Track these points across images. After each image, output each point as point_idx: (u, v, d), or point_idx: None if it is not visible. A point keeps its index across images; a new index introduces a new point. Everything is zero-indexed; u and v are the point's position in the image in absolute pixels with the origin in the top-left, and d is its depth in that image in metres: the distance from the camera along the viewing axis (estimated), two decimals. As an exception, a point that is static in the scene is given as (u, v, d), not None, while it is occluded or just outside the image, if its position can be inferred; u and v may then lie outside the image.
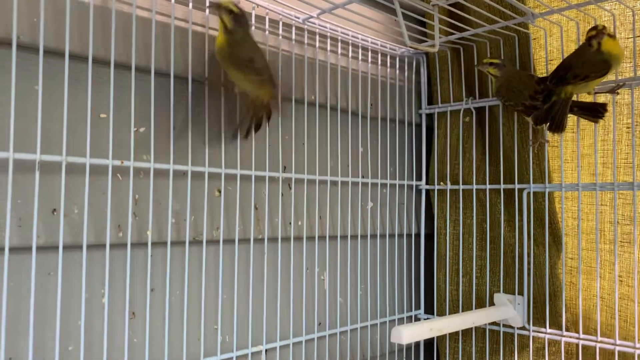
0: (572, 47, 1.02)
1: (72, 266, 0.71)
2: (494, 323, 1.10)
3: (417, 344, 1.21)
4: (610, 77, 0.98)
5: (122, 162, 0.73)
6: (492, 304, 1.12)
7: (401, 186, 1.20)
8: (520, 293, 1.07)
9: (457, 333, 1.16)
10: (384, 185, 1.16)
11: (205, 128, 0.82)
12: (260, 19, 0.92)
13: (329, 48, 1.04)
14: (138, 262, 0.77)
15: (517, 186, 1.07)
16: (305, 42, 1.00)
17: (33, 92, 0.67)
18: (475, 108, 1.15)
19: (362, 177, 1.11)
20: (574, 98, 0.94)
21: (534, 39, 1.08)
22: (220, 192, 0.86)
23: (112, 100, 0.72)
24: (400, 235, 1.19)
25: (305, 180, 0.99)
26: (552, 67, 1.06)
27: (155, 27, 0.78)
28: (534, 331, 1.04)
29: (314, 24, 0.99)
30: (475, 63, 1.14)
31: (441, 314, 1.19)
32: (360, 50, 1.11)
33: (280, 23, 0.95)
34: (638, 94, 0.94)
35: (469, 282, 1.16)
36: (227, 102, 0.85)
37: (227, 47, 0.77)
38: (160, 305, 0.79)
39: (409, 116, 1.22)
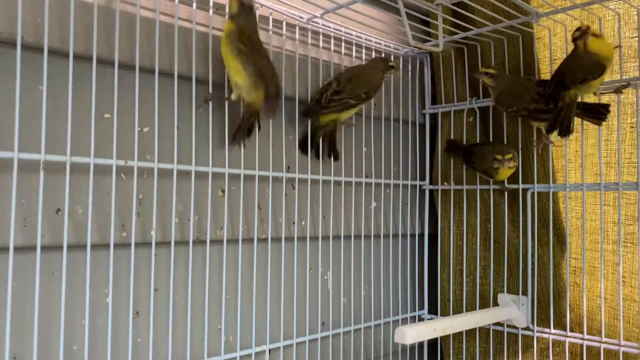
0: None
1: (76, 266, 0.71)
2: (497, 323, 1.10)
3: (421, 344, 1.21)
4: (616, 76, 0.98)
5: (126, 162, 0.73)
6: (495, 304, 1.11)
7: (405, 186, 1.20)
8: (524, 293, 1.07)
9: (460, 333, 1.16)
10: (387, 185, 1.16)
11: (209, 128, 0.82)
12: (264, 18, 0.92)
13: (332, 48, 1.04)
14: (142, 262, 0.77)
15: (521, 186, 1.07)
16: (309, 42, 1.00)
17: (37, 92, 0.67)
18: (479, 108, 1.15)
19: (366, 177, 1.11)
20: (578, 99, 0.94)
21: (538, 38, 1.08)
22: (224, 192, 0.87)
23: (116, 100, 0.72)
24: (404, 235, 1.19)
25: (309, 180, 0.99)
26: (556, 67, 1.06)
27: (159, 28, 0.78)
28: (538, 332, 1.04)
29: (318, 23, 0.99)
30: (476, 70, 1.13)
31: (445, 314, 1.19)
32: (364, 50, 1.11)
33: (284, 23, 0.95)
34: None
35: (473, 282, 1.16)
36: (230, 107, 0.85)
37: (230, 34, 0.78)
38: (164, 304, 0.79)
39: (413, 116, 1.22)
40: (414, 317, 1.20)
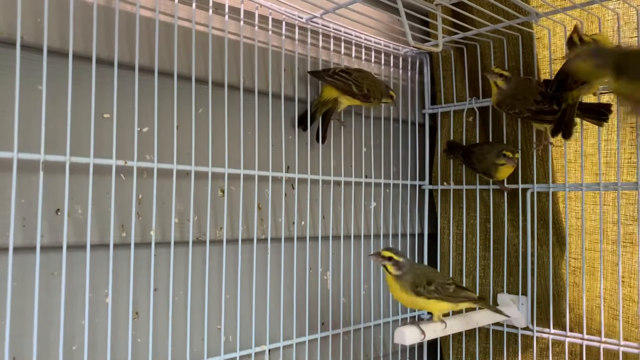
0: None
1: (76, 266, 0.71)
2: (497, 323, 1.10)
3: (421, 344, 1.21)
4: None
5: (125, 162, 0.73)
6: (495, 304, 1.11)
7: (404, 186, 1.20)
8: (524, 293, 1.07)
9: (460, 333, 1.16)
10: (387, 185, 1.16)
11: (209, 127, 0.82)
12: (263, 18, 0.92)
13: (332, 48, 1.04)
14: (142, 262, 0.77)
15: (520, 186, 1.07)
16: (309, 42, 1.00)
17: (37, 92, 0.67)
18: (478, 108, 1.15)
19: (365, 177, 1.11)
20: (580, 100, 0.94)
21: (538, 38, 1.08)
22: (223, 192, 0.86)
23: (115, 100, 0.72)
24: (404, 235, 1.19)
25: (309, 180, 0.99)
26: (556, 67, 1.06)
27: (159, 27, 0.78)
28: (537, 331, 1.04)
29: (317, 23, 0.99)
30: (482, 69, 1.13)
31: (444, 314, 1.19)
32: (363, 50, 1.11)
33: (284, 23, 0.95)
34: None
35: (473, 282, 1.16)
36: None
37: None
38: (164, 305, 0.79)
39: (412, 116, 1.22)
40: (414, 317, 1.20)
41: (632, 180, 0.97)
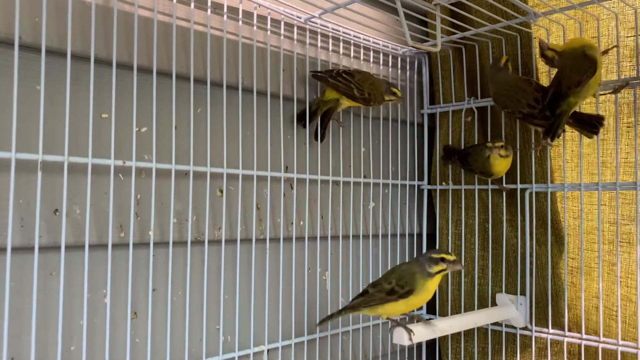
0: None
1: (74, 266, 0.71)
2: (496, 323, 1.10)
3: (419, 344, 1.21)
4: (613, 76, 0.98)
5: (124, 162, 0.73)
6: (494, 304, 1.11)
7: (403, 186, 1.20)
8: (523, 293, 1.07)
9: (459, 333, 1.16)
10: (385, 185, 1.16)
11: (207, 127, 0.82)
12: (262, 18, 0.92)
13: (330, 48, 1.04)
14: (140, 262, 0.77)
15: (519, 186, 1.07)
16: (307, 41, 1.00)
17: (35, 92, 0.67)
18: (477, 108, 1.15)
19: (364, 177, 1.11)
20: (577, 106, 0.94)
21: (536, 38, 1.08)
22: (222, 192, 0.86)
23: (113, 100, 0.72)
24: (402, 235, 1.19)
25: (307, 180, 0.99)
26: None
27: (157, 27, 0.78)
28: (536, 331, 1.04)
29: (316, 23, 0.99)
30: (481, 69, 1.13)
31: (443, 314, 1.19)
32: (362, 50, 1.11)
33: (282, 23, 0.95)
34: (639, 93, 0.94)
35: (471, 282, 1.16)
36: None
37: None
38: (162, 305, 0.79)
39: (411, 116, 1.22)
40: (412, 317, 1.19)
41: (628, 180, 0.97)
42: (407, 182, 1.20)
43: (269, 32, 0.93)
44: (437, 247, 1.21)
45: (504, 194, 1.11)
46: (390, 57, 1.17)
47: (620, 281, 0.98)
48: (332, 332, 1.02)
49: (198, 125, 0.83)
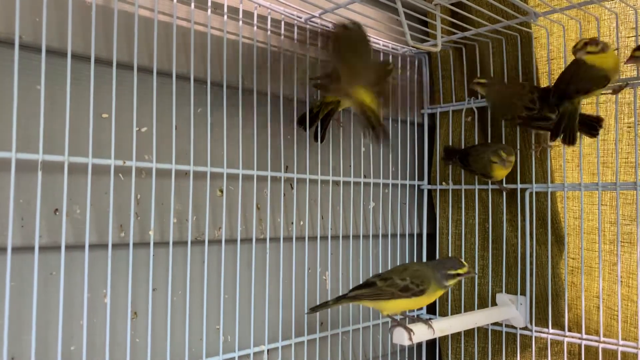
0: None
1: (75, 266, 0.71)
2: (496, 323, 1.10)
3: (419, 344, 1.21)
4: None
5: (124, 162, 0.73)
6: (494, 304, 1.11)
7: (403, 186, 1.20)
8: (523, 293, 1.07)
9: (459, 333, 1.16)
10: (385, 185, 1.16)
11: (208, 127, 0.82)
12: (262, 18, 0.92)
13: (330, 48, 1.04)
14: (140, 262, 0.77)
15: (519, 186, 1.07)
16: (307, 41, 1.00)
17: (35, 92, 0.67)
18: (477, 108, 1.15)
19: (364, 177, 1.11)
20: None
21: (536, 38, 1.08)
22: (222, 192, 0.86)
23: (114, 100, 0.72)
24: (402, 235, 1.19)
25: (307, 180, 0.99)
26: (553, 66, 1.06)
27: (158, 27, 0.78)
28: (536, 331, 1.04)
29: (316, 23, 0.99)
30: (481, 69, 1.14)
31: (443, 314, 1.19)
32: (362, 50, 1.11)
33: (282, 23, 0.95)
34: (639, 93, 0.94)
35: (471, 283, 1.16)
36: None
37: None
38: (163, 305, 0.79)
39: (411, 116, 1.22)
40: (413, 317, 1.19)
41: (629, 180, 0.97)
42: (407, 182, 1.20)
43: (269, 32, 0.93)
44: (438, 248, 1.21)
45: (504, 194, 1.11)
46: (390, 57, 1.16)
47: (622, 281, 0.98)
48: (332, 332, 1.02)
49: (198, 125, 0.83)
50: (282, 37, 0.95)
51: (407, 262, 1.20)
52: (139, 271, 0.77)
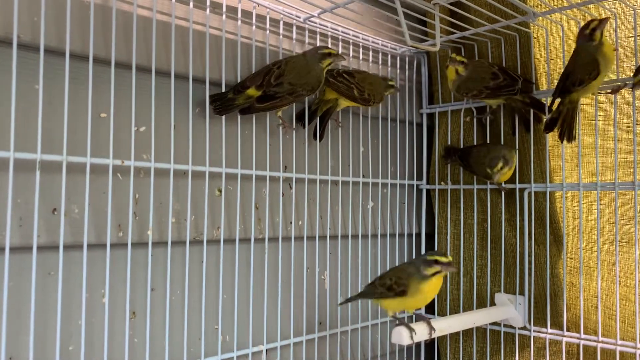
0: (572, 46, 1.02)
1: (73, 266, 0.70)
2: (495, 323, 1.10)
3: (418, 344, 1.21)
4: (612, 76, 0.98)
5: (122, 162, 0.73)
6: (493, 304, 1.11)
7: (402, 186, 1.20)
8: (522, 293, 1.07)
9: (458, 333, 1.16)
10: (384, 185, 1.16)
11: (206, 126, 0.82)
12: (261, 18, 0.92)
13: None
14: (138, 262, 0.77)
15: (518, 186, 1.07)
16: (306, 41, 1.00)
17: (33, 92, 0.67)
18: (476, 107, 1.15)
19: (363, 176, 1.11)
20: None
21: (535, 38, 1.08)
22: (221, 191, 0.86)
23: (112, 100, 0.72)
24: (401, 235, 1.19)
25: (306, 180, 0.98)
26: (553, 66, 1.06)
27: (156, 26, 0.77)
28: (535, 331, 1.04)
29: (315, 23, 0.99)
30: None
31: (442, 314, 1.19)
32: (361, 50, 1.11)
33: (281, 22, 0.95)
34: (638, 93, 0.94)
35: (470, 282, 1.16)
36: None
37: None
38: (161, 305, 0.79)
39: (410, 115, 1.22)
40: (411, 317, 1.20)
41: (628, 180, 0.97)
42: (406, 182, 1.20)
43: (268, 32, 0.93)
44: (436, 247, 1.21)
45: (503, 193, 1.11)
46: (389, 56, 1.16)
47: (620, 281, 0.98)
48: (330, 332, 1.02)
49: (197, 125, 0.82)
50: (281, 36, 0.95)
51: (405, 262, 1.19)
52: (137, 271, 0.77)
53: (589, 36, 0.89)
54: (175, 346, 0.80)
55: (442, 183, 1.20)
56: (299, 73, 0.87)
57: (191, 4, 0.82)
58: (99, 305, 0.73)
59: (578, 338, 0.98)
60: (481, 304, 1.15)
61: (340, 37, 1.05)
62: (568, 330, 1.01)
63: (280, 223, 0.95)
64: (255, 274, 0.91)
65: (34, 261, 0.63)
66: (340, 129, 1.06)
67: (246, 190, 0.90)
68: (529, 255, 1.06)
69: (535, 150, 1.06)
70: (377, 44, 1.11)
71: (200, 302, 0.83)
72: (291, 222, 0.97)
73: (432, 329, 0.90)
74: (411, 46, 1.01)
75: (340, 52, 1.06)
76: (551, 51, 1.06)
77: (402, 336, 0.87)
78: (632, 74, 0.96)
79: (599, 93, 0.98)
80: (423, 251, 1.22)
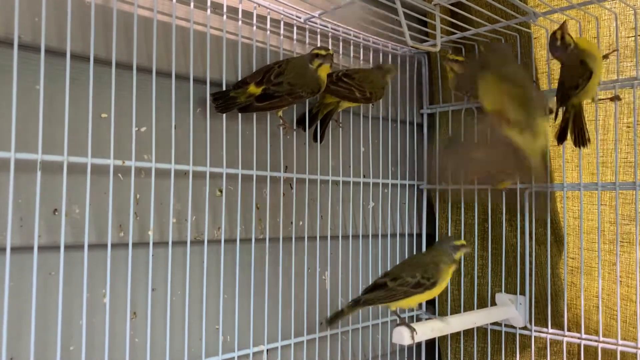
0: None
1: (74, 266, 0.70)
2: (495, 323, 1.10)
3: (419, 344, 1.21)
4: (612, 76, 0.98)
5: (123, 162, 0.73)
6: (493, 303, 1.11)
7: (402, 186, 1.20)
8: (522, 293, 1.07)
9: (458, 333, 1.16)
10: (385, 185, 1.16)
11: (207, 127, 0.82)
12: (261, 18, 0.92)
13: (330, 48, 1.04)
14: (139, 262, 0.77)
15: (518, 186, 1.07)
16: (307, 41, 1.00)
17: (34, 92, 0.67)
18: (476, 108, 1.15)
19: (364, 176, 1.11)
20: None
21: (535, 38, 1.08)
22: (221, 191, 0.86)
23: (113, 100, 0.72)
24: (402, 235, 1.19)
25: (307, 180, 0.98)
26: (553, 66, 1.06)
27: (157, 27, 0.78)
28: (535, 331, 1.04)
29: (316, 23, 0.99)
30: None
31: (443, 314, 1.19)
32: (361, 50, 1.11)
33: (282, 23, 0.95)
34: (639, 93, 0.94)
35: (471, 282, 1.16)
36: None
37: None
38: (162, 305, 0.79)
39: (410, 116, 1.22)
40: (412, 317, 1.20)
41: (628, 180, 0.97)
42: (407, 182, 1.20)
43: (268, 32, 0.93)
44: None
45: (503, 193, 1.11)
46: (389, 56, 1.16)
47: (621, 281, 0.98)
48: (331, 332, 1.02)
49: (197, 125, 0.82)
50: (282, 37, 0.95)
51: (407, 257, 1.19)
52: (138, 271, 0.77)
53: (564, 44, 0.89)
54: (176, 346, 0.80)
55: (443, 183, 1.20)
56: (298, 73, 0.87)
57: (192, 4, 0.82)
58: (99, 306, 0.73)
59: (579, 338, 0.98)
60: (482, 304, 1.15)
61: (340, 37, 1.05)
62: (569, 330, 1.01)
63: (281, 223, 0.95)
64: (256, 274, 0.91)
65: (34, 261, 0.63)
66: (340, 129, 1.06)
67: (247, 191, 0.90)
68: (530, 255, 1.06)
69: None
70: (378, 44, 1.11)
71: (201, 302, 0.83)
72: (292, 222, 0.97)
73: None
74: (412, 46, 1.01)
75: (340, 52, 1.06)
76: (551, 51, 1.06)
77: (403, 336, 0.87)
78: (632, 74, 0.96)
79: (600, 99, 0.97)
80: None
